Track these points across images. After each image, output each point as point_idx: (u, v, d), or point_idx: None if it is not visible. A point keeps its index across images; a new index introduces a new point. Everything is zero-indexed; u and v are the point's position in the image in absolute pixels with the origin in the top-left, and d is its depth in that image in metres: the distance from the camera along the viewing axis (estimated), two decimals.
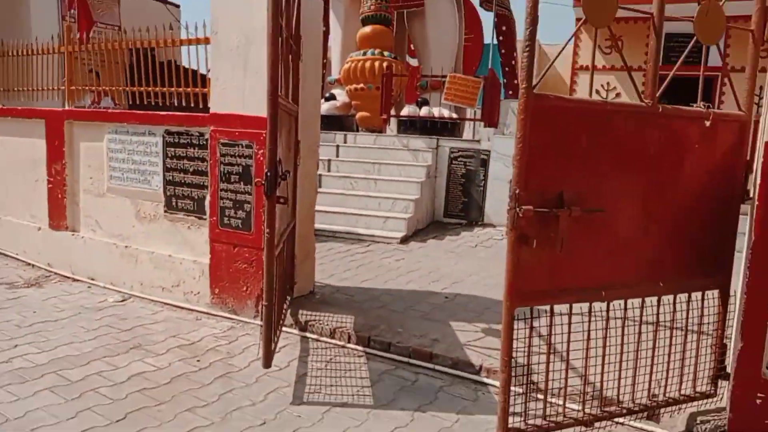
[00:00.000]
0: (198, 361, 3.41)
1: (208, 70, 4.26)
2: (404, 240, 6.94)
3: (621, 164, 2.48)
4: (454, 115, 9.47)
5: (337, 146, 8.70)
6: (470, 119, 9.10)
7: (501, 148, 8.14)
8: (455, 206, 8.42)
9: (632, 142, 2.50)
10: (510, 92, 11.41)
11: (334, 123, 9.34)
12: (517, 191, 2.23)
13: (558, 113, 2.29)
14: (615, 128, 2.44)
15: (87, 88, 5.35)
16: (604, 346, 2.57)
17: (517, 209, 2.22)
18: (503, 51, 11.40)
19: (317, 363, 3.47)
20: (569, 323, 2.49)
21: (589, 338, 2.53)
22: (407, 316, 4.14)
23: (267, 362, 2.88)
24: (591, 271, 2.49)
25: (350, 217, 7.27)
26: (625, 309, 2.62)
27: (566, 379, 2.54)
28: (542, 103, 2.22)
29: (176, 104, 4.66)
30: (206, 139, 4.20)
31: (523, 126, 2.21)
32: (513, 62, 11.40)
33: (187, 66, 4.66)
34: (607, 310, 2.56)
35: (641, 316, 2.65)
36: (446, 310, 4.34)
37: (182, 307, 4.35)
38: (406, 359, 3.50)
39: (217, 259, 4.21)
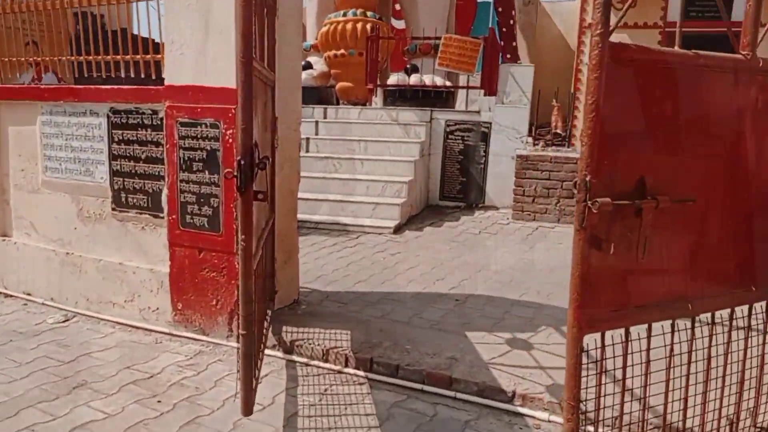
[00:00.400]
0: (159, 401, 2.91)
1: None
2: (398, 229, 6.48)
3: (710, 137, 2.02)
4: (448, 83, 8.99)
5: (316, 122, 8.16)
6: (467, 87, 8.61)
7: (504, 119, 7.71)
8: (453, 187, 8.00)
9: (725, 108, 2.03)
10: (508, 56, 10.92)
11: (311, 96, 8.76)
12: (587, 178, 1.75)
13: (640, 70, 1.80)
14: (705, 89, 1.97)
15: (17, 60, 4.70)
16: (689, 374, 2.14)
17: (589, 203, 1.74)
18: (500, 9, 10.88)
19: (309, 396, 2.99)
20: (648, 348, 2.03)
21: (670, 365, 2.08)
22: (414, 327, 3.69)
23: (247, 409, 2.39)
24: (674, 278, 2.03)
25: (334, 205, 6.78)
26: (713, 323, 2.18)
27: (644, 421, 2.09)
28: (621, 55, 1.74)
29: (126, 77, 4.08)
30: (161, 118, 3.68)
31: (596, 88, 1.72)
32: (512, 21, 10.90)
33: (143, 36, 4.09)
34: (693, 328, 2.12)
35: (730, 330, 2.22)
36: (459, 316, 3.91)
37: (138, 327, 3.85)
38: (419, 386, 3.05)
39: (179, 266, 3.70)
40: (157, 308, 3.86)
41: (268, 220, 3.35)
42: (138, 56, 3.90)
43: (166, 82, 3.58)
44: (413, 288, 4.48)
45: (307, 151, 7.68)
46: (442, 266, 5.08)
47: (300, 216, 5.57)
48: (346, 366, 3.26)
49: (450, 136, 7.92)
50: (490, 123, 7.77)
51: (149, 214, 3.86)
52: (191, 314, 3.72)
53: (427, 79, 8.80)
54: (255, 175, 2.32)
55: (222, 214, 3.51)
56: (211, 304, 3.64)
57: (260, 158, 2.52)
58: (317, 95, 9.13)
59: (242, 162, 2.26)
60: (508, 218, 7.03)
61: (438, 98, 8.53)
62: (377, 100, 9.29)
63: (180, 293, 3.73)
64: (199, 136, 3.49)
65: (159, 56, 3.76)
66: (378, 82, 8.78)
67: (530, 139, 7.90)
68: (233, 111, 3.28)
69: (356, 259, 5.25)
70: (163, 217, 3.77)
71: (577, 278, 1.80)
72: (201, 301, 3.67)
